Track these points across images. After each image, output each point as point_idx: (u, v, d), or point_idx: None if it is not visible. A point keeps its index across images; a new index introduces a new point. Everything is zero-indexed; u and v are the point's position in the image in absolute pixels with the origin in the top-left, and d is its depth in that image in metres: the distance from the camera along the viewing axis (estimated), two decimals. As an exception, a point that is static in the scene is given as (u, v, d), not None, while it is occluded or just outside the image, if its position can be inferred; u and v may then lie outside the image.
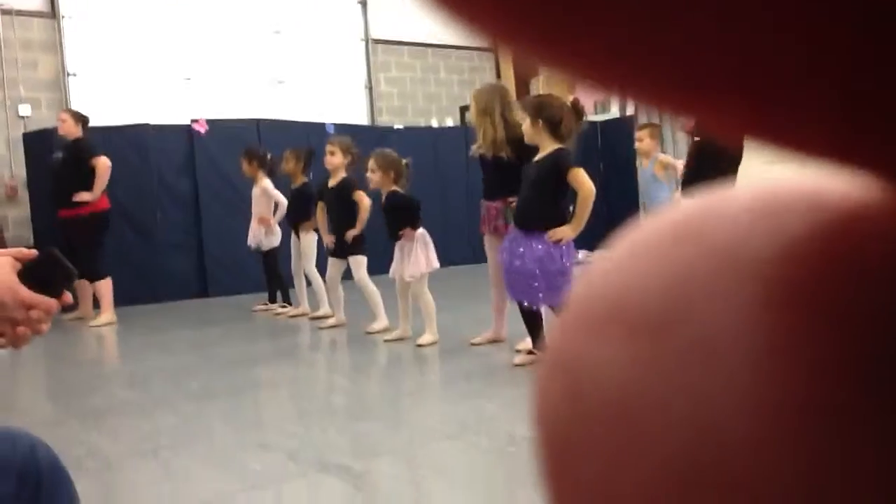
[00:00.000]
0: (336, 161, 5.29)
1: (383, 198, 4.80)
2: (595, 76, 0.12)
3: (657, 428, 0.12)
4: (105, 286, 6.38)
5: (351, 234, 5.20)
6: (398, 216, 4.71)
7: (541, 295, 3.74)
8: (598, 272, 0.15)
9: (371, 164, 4.77)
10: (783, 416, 0.11)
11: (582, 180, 3.73)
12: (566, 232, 3.71)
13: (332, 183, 5.35)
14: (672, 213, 0.14)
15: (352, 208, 5.22)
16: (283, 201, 6.31)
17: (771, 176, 0.14)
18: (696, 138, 3.99)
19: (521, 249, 3.76)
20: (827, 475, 0.11)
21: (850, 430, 0.11)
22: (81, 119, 6.40)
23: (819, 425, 0.11)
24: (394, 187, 4.76)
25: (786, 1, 0.10)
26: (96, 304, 6.48)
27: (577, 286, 0.15)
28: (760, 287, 0.12)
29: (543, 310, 3.89)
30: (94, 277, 6.27)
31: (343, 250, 5.30)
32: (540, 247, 3.72)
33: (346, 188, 5.26)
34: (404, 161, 4.83)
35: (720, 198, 0.14)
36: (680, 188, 4.27)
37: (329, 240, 5.43)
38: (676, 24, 0.10)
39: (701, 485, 0.12)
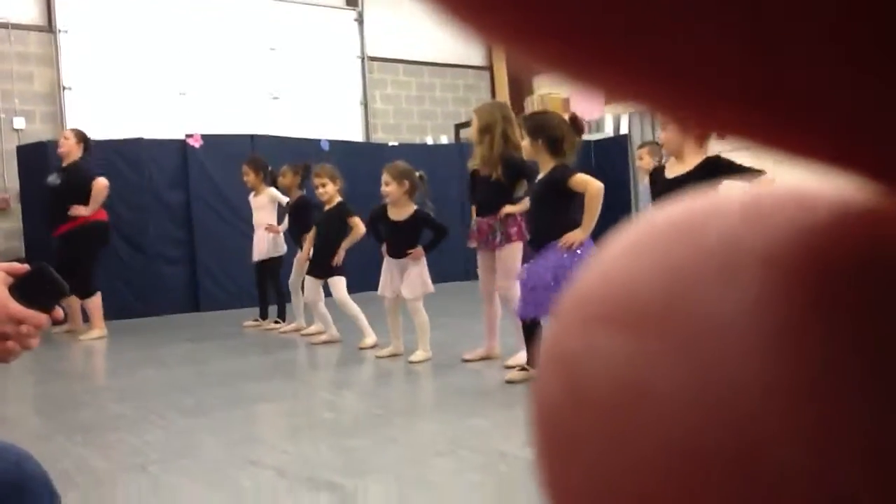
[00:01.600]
0: (329, 190, 5.34)
1: (405, 214, 4.70)
2: (604, 79, 0.12)
3: (658, 411, 0.13)
4: (94, 302, 6.33)
5: (337, 259, 5.29)
6: (416, 234, 4.69)
7: (551, 306, 3.71)
8: (595, 269, 0.15)
9: (385, 177, 4.70)
10: (794, 389, 0.12)
11: (587, 181, 3.73)
12: (577, 235, 3.69)
13: (327, 207, 5.43)
14: (666, 214, 0.15)
15: (341, 232, 5.28)
16: (285, 201, 6.35)
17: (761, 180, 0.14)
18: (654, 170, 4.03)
19: (535, 266, 3.74)
20: (833, 438, 0.12)
21: (846, 397, 0.12)
22: (84, 139, 6.33)
23: (823, 394, 0.12)
24: (410, 202, 4.73)
25: (794, 13, 0.10)
26: (86, 316, 6.44)
27: (574, 283, 0.15)
28: (756, 280, 0.13)
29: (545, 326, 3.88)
30: (84, 294, 6.21)
31: (323, 271, 5.37)
32: (553, 256, 3.68)
33: (340, 212, 5.31)
34: (418, 173, 4.79)
35: (713, 199, 0.15)
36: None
37: (305, 253, 5.56)
38: (687, 32, 0.11)
39: (707, 457, 0.12)
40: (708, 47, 0.11)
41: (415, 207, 4.73)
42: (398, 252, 4.71)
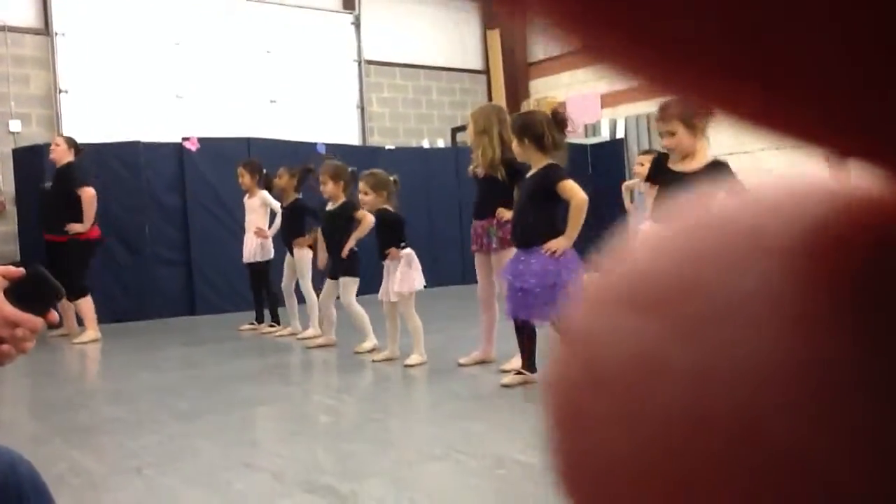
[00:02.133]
0: (330, 189, 5.28)
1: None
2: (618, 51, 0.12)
3: (667, 391, 0.13)
4: (86, 304, 6.31)
5: (346, 250, 5.15)
6: (385, 234, 4.72)
7: (538, 311, 3.72)
8: (623, 257, 0.15)
9: (363, 186, 4.77)
10: (796, 380, 0.12)
11: (573, 190, 3.74)
12: (560, 243, 3.70)
13: (331, 206, 5.34)
14: (695, 204, 0.15)
15: (348, 230, 5.20)
16: (279, 209, 6.31)
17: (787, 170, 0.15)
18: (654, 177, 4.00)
19: (521, 268, 3.75)
20: (835, 434, 0.12)
21: (853, 394, 0.12)
22: (74, 145, 6.40)
23: (829, 388, 0.12)
24: (384, 205, 4.77)
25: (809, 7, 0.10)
26: (80, 320, 6.42)
27: (600, 270, 0.16)
28: (780, 262, 0.13)
29: (538, 329, 3.88)
30: (73, 296, 6.19)
31: (337, 271, 5.29)
32: (538, 263, 3.70)
33: (347, 209, 5.22)
34: (392, 178, 4.86)
35: (742, 188, 0.15)
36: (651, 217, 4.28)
37: (323, 260, 5.41)
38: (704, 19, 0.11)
39: (708, 439, 0.13)
40: (707, 31, 0.11)
41: (379, 208, 4.79)
42: (380, 254, 4.75)
